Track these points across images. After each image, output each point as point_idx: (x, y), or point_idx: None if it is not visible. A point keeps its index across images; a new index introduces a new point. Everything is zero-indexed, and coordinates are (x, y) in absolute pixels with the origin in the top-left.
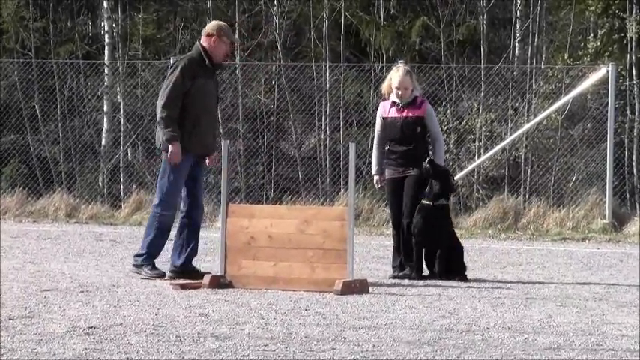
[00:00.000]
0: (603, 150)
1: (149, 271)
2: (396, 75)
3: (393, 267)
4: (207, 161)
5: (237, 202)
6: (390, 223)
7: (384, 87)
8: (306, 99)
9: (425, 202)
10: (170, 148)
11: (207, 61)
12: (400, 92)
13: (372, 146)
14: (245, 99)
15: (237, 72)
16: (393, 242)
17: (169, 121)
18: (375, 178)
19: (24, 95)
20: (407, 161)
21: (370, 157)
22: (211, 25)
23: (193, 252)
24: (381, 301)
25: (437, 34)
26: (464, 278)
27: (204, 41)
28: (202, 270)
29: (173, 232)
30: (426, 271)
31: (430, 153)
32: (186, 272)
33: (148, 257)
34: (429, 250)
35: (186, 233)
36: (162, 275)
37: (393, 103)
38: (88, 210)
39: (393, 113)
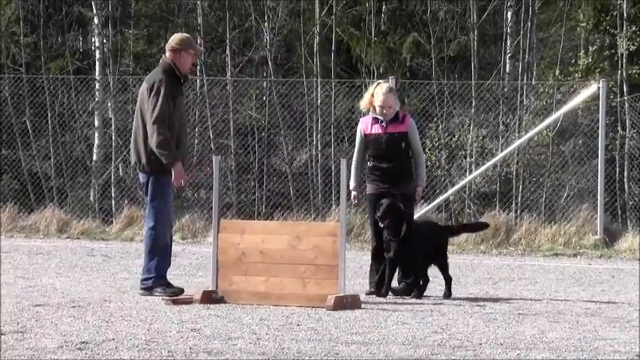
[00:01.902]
0: (594, 166)
1: (164, 291)
2: (379, 93)
3: (370, 283)
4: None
5: (228, 217)
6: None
7: (364, 103)
8: (297, 115)
9: (389, 237)
10: (174, 170)
11: (180, 78)
12: (385, 111)
13: None
14: (236, 115)
15: (228, 88)
16: (371, 256)
17: (166, 143)
18: (353, 194)
19: (15, 110)
20: (392, 178)
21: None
22: (175, 40)
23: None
24: (373, 316)
25: (428, 51)
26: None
27: (171, 57)
28: (194, 285)
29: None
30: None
31: (414, 175)
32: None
33: (157, 279)
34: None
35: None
36: (180, 291)
37: (375, 119)
38: (80, 225)
39: (377, 130)
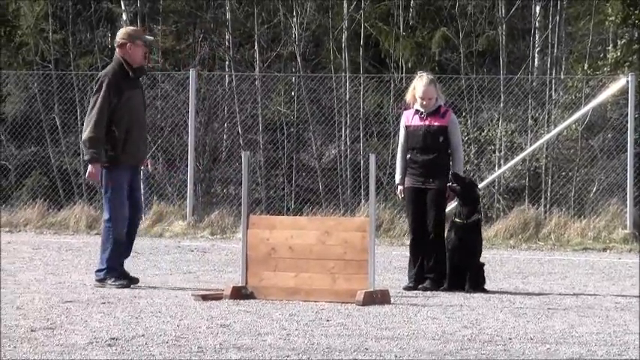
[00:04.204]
0: (624, 160)
1: (114, 283)
2: (419, 85)
3: (409, 277)
4: (148, 166)
5: (257, 213)
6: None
7: (408, 96)
8: (325, 110)
9: (457, 220)
10: (89, 167)
11: (130, 72)
12: (425, 102)
13: (392, 156)
14: (265, 110)
15: (256, 83)
16: (409, 250)
17: (95, 141)
18: (399, 188)
19: (44, 107)
20: (428, 171)
21: (390, 167)
22: (121, 34)
23: (126, 255)
24: (402, 311)
25: (456, 45)
26: (485, 291)
27: (119, 52)
28: (224, 281)
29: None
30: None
31: (451, 164)
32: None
33: (109, 270)
34: (460, 267)
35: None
36: (127, 285)
37: (417, 111)
38: None
39: (416, 121)
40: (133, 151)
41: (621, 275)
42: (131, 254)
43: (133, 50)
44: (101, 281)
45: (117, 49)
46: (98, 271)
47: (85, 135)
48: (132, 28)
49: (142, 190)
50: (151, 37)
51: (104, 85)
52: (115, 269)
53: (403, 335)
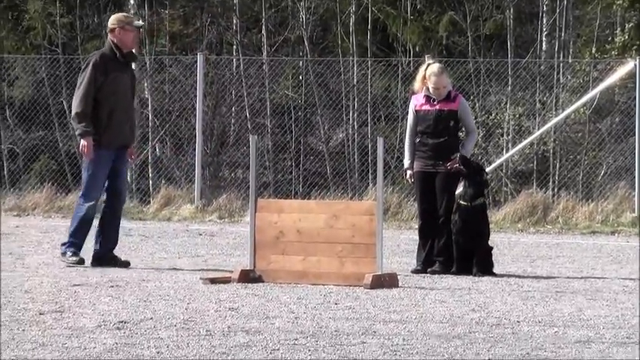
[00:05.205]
0: (632, 144)
1: (70, 258)
2: (432, 75)
3: (418, 260)
4: (128, 156)
5: (265, 197)
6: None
7: (417, 84)
8: (333, 94)
9: (462, 202)
10: (82, 141)
11: (118, 55)
12: (439, 91)
13: (400, 140)
14: (272, 94)
15: (264, 67)
16: (418, 234)
17: (82, 116)
18: (408, 172)
19: (52, 91)
20: (437, 154)
21: (398, 151)
22: (111, 20)
23: (113, 242)
24: (410, 295)
25: (464, 29)
26: (493, 274)
27: (111, 37)
28: (232, 265)
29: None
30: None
31: (460, 147)
32: (105, 261)
33: (70, 245)
34: (467, 250)
35: (106, 223)
36: (81, 262)
37: (427, 97)
38: None
39: (427, 106)
40: (115, 133)
41: (629, 258)
42: (141, 237)
43: (123, 35)
44: (62, 255)
45: (109, 34)
46: (62, 244)
47: (73, 111)
48: (122, 14)
49: (150, 182)
50: (141, 23)
51: (90, 64)
52: (76, 244)
53: (411, 318)
